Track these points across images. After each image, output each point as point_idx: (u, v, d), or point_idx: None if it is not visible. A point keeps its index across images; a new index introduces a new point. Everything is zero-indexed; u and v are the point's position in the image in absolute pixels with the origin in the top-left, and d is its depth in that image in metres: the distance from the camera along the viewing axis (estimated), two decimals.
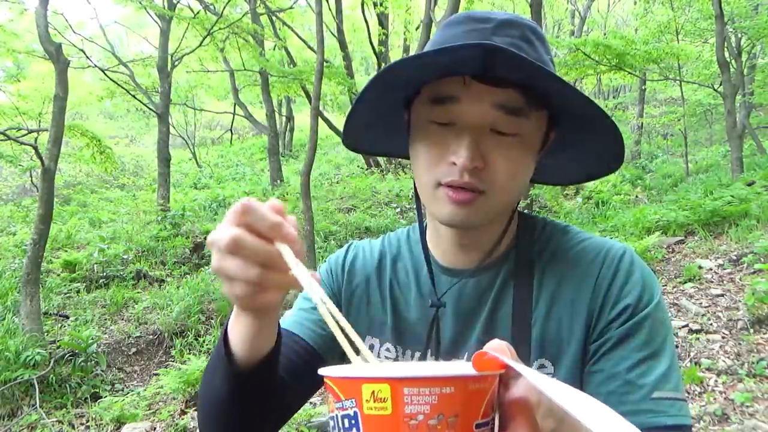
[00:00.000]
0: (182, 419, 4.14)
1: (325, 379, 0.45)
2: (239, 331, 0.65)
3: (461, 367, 0.45)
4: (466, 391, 0.42)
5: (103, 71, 11.43)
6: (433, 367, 0.46)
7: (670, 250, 6.55)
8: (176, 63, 11.55)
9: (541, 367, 0.79)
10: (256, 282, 0.54)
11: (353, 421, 0.42)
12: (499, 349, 0.46)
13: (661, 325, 0.75)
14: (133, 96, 11.84)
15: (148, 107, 11.45)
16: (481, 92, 0.73)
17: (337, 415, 0.44)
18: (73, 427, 4.42)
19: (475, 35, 0.75)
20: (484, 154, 0.75)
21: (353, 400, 0.42)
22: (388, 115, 0.88)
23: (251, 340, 0.65)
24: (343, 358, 0.52)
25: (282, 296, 0.60)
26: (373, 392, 0.41)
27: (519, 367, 0.42)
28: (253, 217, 0.53)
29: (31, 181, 12.03)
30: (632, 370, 0.72)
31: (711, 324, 4.36)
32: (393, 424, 0.40)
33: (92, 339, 5.38)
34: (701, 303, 4.82)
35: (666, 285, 5.43)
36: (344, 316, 0.94)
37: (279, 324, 0.69)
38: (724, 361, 3.78)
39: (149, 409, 4.51)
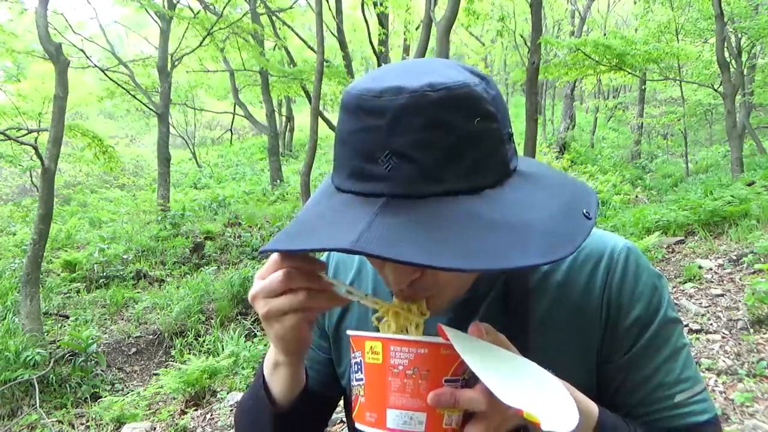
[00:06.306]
0: (182, 419, 4.14)
1: (349, 337, 0.63)
2: (282, 379, 0.75)
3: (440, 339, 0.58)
4: (438, 354, 0.56)
5: (103, 71, 11.43)
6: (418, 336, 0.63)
7: (670, 250, 6.55)
8: (176, 63, 11.55)
9: None
10: (305, 306, 0.62)
11: (359, 366, 0.59)
12: (473, 328, 0.58)
13: (673, 324, 0.74)
14: (133, 96, 11.85)
15: (148, 107, 11.46)
16: None
17: (351, 362, 0.62)
18: (73, 427, 4.41)
19: (369, 138, 0.57)
20: None
21: (360, 351, 0.59)
22: None
23: (292, 384, 0.75)
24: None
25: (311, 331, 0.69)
26: (371, 347, 0.58)
27: (452, 334, 0.55)
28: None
29: (31, 181, 12.03)
30: (652, 379, 0.73)
31: (711, 324, 4.36)
32: (382, 370, 0.57)
33: (92, 339, 5.37)
34: (701, 303, 4.82)
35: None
36: (338, 316, 0.91)
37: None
38: (724, 361, 3.78)
39: (149, 409, 4.51)
